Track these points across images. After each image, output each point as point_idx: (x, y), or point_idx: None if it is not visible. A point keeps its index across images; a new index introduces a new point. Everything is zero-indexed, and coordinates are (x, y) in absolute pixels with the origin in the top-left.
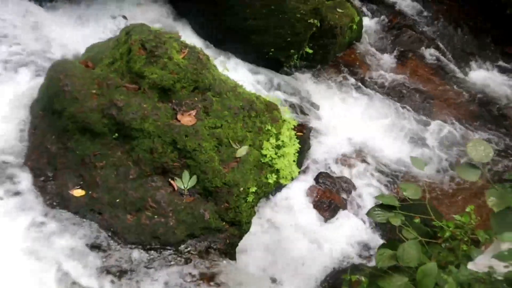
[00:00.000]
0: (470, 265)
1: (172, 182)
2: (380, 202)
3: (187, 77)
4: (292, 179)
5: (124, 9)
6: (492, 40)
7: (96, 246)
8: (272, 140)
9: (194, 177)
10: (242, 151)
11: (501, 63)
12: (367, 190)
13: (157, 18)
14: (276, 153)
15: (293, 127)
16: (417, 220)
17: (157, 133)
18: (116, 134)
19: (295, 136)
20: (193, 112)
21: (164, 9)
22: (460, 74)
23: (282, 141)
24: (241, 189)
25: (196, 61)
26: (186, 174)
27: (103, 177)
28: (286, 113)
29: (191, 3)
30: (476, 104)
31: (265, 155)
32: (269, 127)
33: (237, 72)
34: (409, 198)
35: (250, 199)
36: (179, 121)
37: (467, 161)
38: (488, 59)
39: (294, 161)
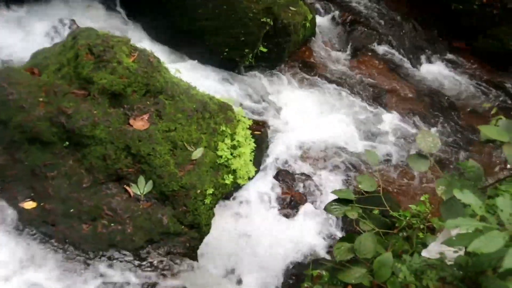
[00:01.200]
0: (424, 252)
1: (127, 188)
2: (337, 196)
3: (138, 81)
4: (249, 178)
5: (72, 12)
6: (440, 34)
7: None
8: (227, 141)
9: (150, 182)
10: (197, 153)
11: (449, 56)
12: (327, 185)
13: (108, 21)
14: (231, 154)
15: (248, 126)
16: (376, 212)
17: (109, 139)
18: (67, 143)
19: (251, 136)
20: (146, 116)
21: (115, 12)
22: (411, 68)
23: (238, 141)
24: (198, 191)
25: (146, 64)
26: (141, 179)
27: (55, 188)
28: (241, 113)
29: (142, 6)
30: (426, 96)
31: (221, 156)
32: (224, 128)
33: (192, 74)
34: (364, 191)
35: (208, 201)
36: (132, 126)
37: (417, 152)
38: (437, 53)
39: (250, 160)
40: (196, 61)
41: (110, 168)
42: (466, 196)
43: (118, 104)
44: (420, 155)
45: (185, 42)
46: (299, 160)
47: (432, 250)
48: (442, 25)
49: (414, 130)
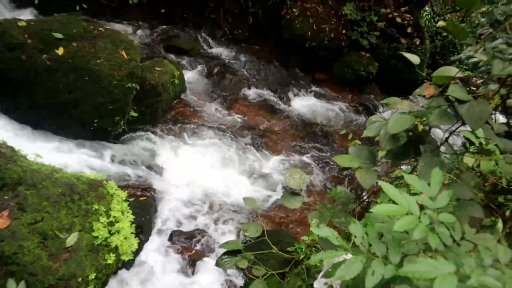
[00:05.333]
0: (316, 284)
1: None
2: (226, 249)
3: None
4: (133, 252)
5: None
6: (302, 70)
7: None
8: (103, 219)
9: (22, 283)
10: (71, 239)
11: (313, 88)
12: (223, 237)
13: None
14: (109, 231)
15: (124, 198)
16: (275, 250)
17: None
18: None
19: (128, 208)
20: (5, 213)
21: None
22: (282, 105)
23: (114, 216)
24: (80, 279)
25: None
26: (11, 282)
27: None
28: (114, 187)
29: None
30: (301, 128)
31: (98, 237)
32: (97, 206)
33: (60, 152)
34: (250, 238)
35: (91, 287)
36: None
37: (289, 190)
38: (303, 87)
39: (132, 233)
40: (64, 137)
41: None
42: (322, 231)
43: None
44: (293, 192)
45: (49, 119)
46: (191, 217)
47: (321, 281)
48: (303, 61)
49: (295, 163)
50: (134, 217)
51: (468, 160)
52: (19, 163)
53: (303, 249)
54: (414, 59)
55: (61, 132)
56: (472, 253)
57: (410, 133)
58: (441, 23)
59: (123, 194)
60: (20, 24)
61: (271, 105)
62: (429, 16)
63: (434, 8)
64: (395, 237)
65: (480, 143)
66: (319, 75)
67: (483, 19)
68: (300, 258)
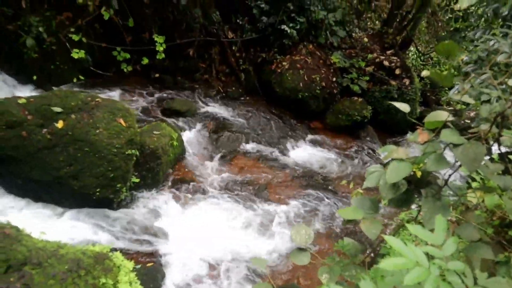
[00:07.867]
0: None
1: None
2: None
3: None
4: None
5: None
6: (298, 120)
7: None
8: None
9: None
10: None
11: (310, 137)
12: None
13: None
14: None
15: (131, 269)
16: None
17: None
18: None
19: (136, 277)
20: None
21: None
22: (281, 157)
23: None
24: None
25: (3, 238)
26: None
27: None
28: (120, 258)
29: None
30: (302, 179)
31: None
32: (104, 280)
33: (64, 224)
34: None
35: None
36: None
37: (297, 246)
38: (300, 137)
39: None
40: (67, 208)
41: None
42: None
43: None
44: (300, 249)
45: (51, 192)
46: (200, 280)
47: None
48: (297, 112)
49: (299, 214)
50: (142, 287)
51: (473, 197)
52: (24, 242)
53: None
54: (404, 107)
55: (64, 203)
56: None
57: (412, 173)
58: (424, 73)
59: (130, 265)
60: (20, 101)
61: (270, 158)
62: (415, 55)
63: (418, 47)
64: None
65: (482, 179)
66: (314, 124)
67: (466, 58)
68: None
